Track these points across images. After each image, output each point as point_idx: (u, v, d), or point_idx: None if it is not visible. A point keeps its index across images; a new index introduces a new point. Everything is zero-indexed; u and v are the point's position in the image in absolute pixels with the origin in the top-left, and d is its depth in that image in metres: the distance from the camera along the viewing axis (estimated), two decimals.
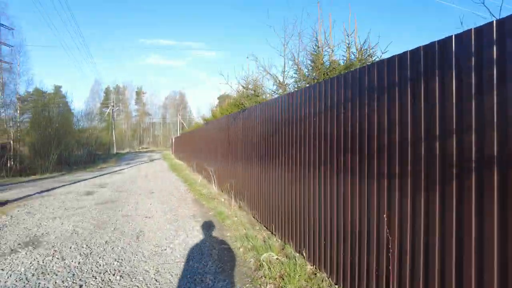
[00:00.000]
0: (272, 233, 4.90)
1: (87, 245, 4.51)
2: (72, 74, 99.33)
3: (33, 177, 14.51)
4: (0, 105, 27.31)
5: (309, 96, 3.73)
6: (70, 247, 4.42)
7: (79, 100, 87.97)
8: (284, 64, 7.40)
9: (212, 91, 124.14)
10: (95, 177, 13.80)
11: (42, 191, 9.49)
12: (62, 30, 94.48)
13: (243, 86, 11.25)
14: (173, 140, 38.45)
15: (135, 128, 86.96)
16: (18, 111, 26.74)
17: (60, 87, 55.69)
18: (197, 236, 4.98)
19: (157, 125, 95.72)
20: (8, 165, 22.00)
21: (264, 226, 5.24)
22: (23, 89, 28.54)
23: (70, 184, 11.31)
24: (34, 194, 9.02)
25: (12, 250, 4.36)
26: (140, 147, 78.75)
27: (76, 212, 6.58)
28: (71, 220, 5.96)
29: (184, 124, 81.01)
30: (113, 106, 55.15)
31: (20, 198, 8.34)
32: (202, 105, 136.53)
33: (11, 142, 23.59)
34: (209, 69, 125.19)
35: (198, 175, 13.08)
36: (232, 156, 7.39)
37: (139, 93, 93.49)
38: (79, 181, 12.05)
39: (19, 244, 4.60)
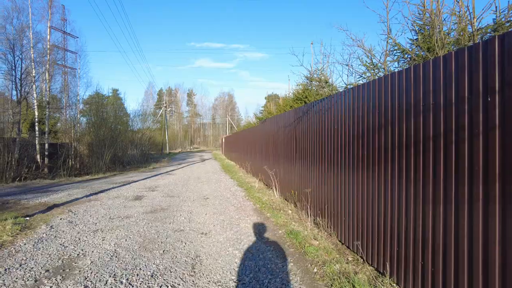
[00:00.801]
0: (380, 272, 3.35)
1: (127, 280, 3.34)
2: (127, 77, 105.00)
3: (86, 177, 14.35)
4: (64, 106, 28.59)
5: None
6: (106, 282, 3.28)
7: (133, 102, 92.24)
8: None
9: (259, 91, 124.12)
10: (147, 178, 13.20)
11: (91, 194, 8.85)
12: (120, 37, 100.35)
13: (307, 77, 9.77)
14: (223, 140, 38.08)
15: (187, 128, 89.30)
16: (78, 112, 27.77)
17: (117, 90, 58.64)
18: (274, 273, 3.59)
19: (207, 126, 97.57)
20: (70, 164, 22.77)
21: (361, 257, 3.69)
22: (83, 91, 29.65)
23: (120, 186, 10.68)
24: (82, 197, 8.36)
25: (36, 281, 3.33)
26: (191, 147, 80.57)
27: (121, 224, 5.59)
28: (114, 234, 4.94)
29: (233, 124, 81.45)
30: (165, 107, 56.69)
31: (68, 202, 7.68)
32: (249, 105, 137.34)
33: (72, 142, 24.49)
34: (256, 70, 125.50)
35: (254, 178, 11.82)
36: (303, 158, 5.93)
37: (190, 95, 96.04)
38: (129, 183, 11.42)
39: (47, 270, 3.58)
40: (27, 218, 5.96)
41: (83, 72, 32.74)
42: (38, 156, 22.36)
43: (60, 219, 5.93)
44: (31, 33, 21.49)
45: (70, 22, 36.39)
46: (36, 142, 22.55)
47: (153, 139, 36.37)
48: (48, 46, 23.11)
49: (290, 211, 6.37)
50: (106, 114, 23.84)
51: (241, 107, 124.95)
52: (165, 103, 58.91)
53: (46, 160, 21.50)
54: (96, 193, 9.03)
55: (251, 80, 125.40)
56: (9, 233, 4.84)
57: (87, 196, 8.56)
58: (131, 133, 28.21)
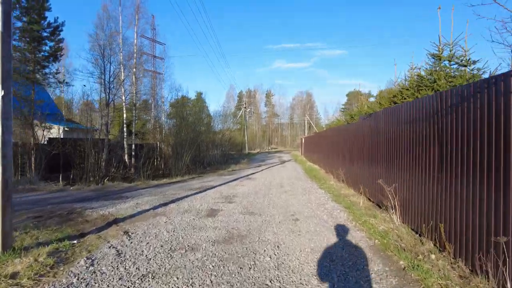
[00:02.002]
0: None
1: None
2: (210, 80, 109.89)
3: (163, 180, 13.62)
4: (151, 108, 29.65)
5: None
6: None
7: (215, 103, 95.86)
8: None
9: (338, 90, 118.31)
10: (224, 183, 11.78)
11: (159, 205, 7.56)
12: (204, 44, 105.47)
13: (434, 55, 7.01)
14: (303, 140, 35.84)
15: (265, 129, 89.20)
16: (163, 114, 28.43)
17: (201, 93, 60.89)
18: None
19: (285, 126, 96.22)
20: (155, 164, 23.15)
21: None
22: (167, 93, 30.41)
23: (195, 193, 9.33)
24: (149, 209, 7.08)
25: None
26: (269, 147, 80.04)
27: (181, 264, 3.86)
28: (168, 287, 3.24)
29: (312, 124, 78.42)
30: (245, 108, 56.80)
31: (131, 217, 6.42)
32: (328, 104, 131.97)
33: (157, 143, 25.02)
34: (333, 68, 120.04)
35: (350, 189, 9.39)
36: (471, 172, 3.44)
37: (268, 96, 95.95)
38: (205, 190, 10.04)
39: None
40: (74, 242, 4.70)
41: (167, 75, 33.79)
42: (125, 156, 23.21)
43: (110, 247, 4.51)
44: (120, 39, 22.37)
45: (157, 29, 38.29)
46: (124, 142, 23.49)
47: (233, 139, 36.02)
48: (135, 50, 23.93)
49: (436, 260, 3.91)
50: (188, 115, 23.76)
51: (319, 106, 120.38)
52: (245, 104, 59.11)
53: (133, 160, 22.16)
54: (166, 204, 7.73)
55: (329, 78, 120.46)
56: (33, 274, 3.49)
57: (155, 208, 7.27)
58: (212, 134, 27.93)
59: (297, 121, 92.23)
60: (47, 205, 7.99)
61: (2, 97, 3.85)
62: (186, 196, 8.83)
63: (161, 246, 4.54)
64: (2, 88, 3.85)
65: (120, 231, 5.30)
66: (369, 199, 7.71)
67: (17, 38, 13.83)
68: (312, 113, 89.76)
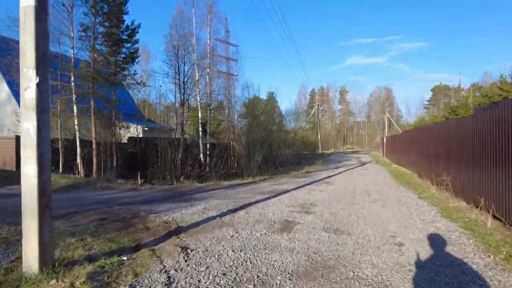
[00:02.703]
0: None
1: None
2: (281, 79, 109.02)
3: (235, 181, 12.90)
4: (225, 108, 29.78)
5: None
6: None
7: (286, 102, 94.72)
8: None
9: (420, 85, 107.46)
10: (299, 187, 10.51)
11: (228, 212, 6.63)
12: (277, 41, 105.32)
13: None
14: (385, 140, 32.58)
15: (339, 127, 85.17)
16: (236, 114, 28.28)
17: (273, 93, 60.50)
18: None
19: (361, 124, 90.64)
20: (229, 163, 22.99)
21: None
22: (240, 93, 30.24)
23: (267, 198, 8.26)
24: (216, 217, 6.18)
25: None
26: (344, 147, 76.14)
27: None
28: None
29: (392, 121, 72.26)
30: (318, 106, 54.61)
31: (194, 226, 5.57)
32: (411, 100, 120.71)
33: (231, 142, 24.89)
34: (413, 62, 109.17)
35: (461, 201, 7.32)
36: None
37: (342, 93, 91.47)
38: (278, 194, 8.91)
39: None
40: (124, 259, 3.94)
41: (240, 75, 33.75)
42: (201, 155, 23.47)
43: (161, 270, 3.60)
44: (194, 40, 22.66)
45: (230, 31, 38.65)
46: (200, 142, 23.78)
47: (306, 139, 34.46)
48: (208, 50, 24.09)
49: None
50: (260, 114, 23.10)
51: (400, 103, 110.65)
52: (317, 101, 56.88)
53: (208, 159, 22.26)
54: (235, 210, 6.77)
55: (409, 73, 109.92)
56: None
57: (222, 215, 6.35)
58: (283, 133, 26.87)
59: (374, 119, 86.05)
60: (116, 205, 7.71)
61: (37, 84, 3.19)
62: (257, 202, 7.80)
63: (224, 274, 3.49)
64: (37, 74, 3.19)
65: (178, 246, 4.42)
66: (496, 217, 5.69)
67: (100, 42, 14.51)
68: (392, 110, 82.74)
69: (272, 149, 22.65)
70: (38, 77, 3.20)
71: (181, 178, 17.52)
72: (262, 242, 4.63)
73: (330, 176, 14.18)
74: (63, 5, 13.28)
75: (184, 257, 4.00)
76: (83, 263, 3.67)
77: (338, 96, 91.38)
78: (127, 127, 16.91)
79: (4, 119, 17.65)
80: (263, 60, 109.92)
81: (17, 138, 13.75)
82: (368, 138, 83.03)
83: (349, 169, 18.37)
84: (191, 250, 4.27)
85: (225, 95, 30.76)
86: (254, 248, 4.35)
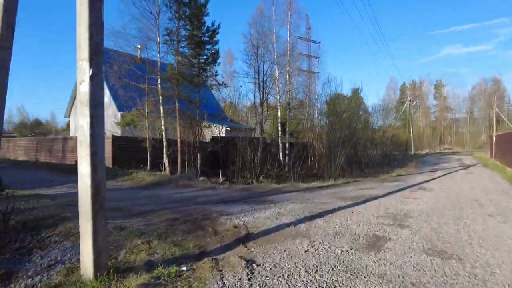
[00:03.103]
0: None
1: None
2: (367, 74, 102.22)
3: (314, 183, 12.00)
4: (305, 107, 28.91)
5: None
6: None
7: (374, 98, 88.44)
8: None
9: None
10: (389, 193, 9.14)
11: (304, 219, 5.88)
12: (365, 33, 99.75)
13: None
14: (494, 138, 27.61)
15: (434, 125, 76.26)
16: (317, 113, 27.19)
17: (357, 89, 57.10)
18: None
19: (461, 121, 79.59)
20: (308, 164, 22.14)
21: None
22: (320, 90, 28.94)
23: (350, 206, 7.24)
24: (289, 224, 5.48)
25: None
26: (440, 147, 67.79)
27: None
28: None
29: (503, 117, 61.56)
30: (410, 101, 49.56)
31: (265, 234, 4.98)
32: None
33: (311, 142, 23.97)
34: None
35: None
36: None
37: (438, 87, 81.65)
38: (363, 202, 7.78)
39: None
40: (183, 269, 3.54)
41: (321, 71, 32.38)
42: (280, 155, 23.06)
43: None
44: (274, 38, 22.35)
45: (312, 27, 37.43)
46: (279, 141, 23.39)
47: (396, 137, 31.36)
48: (288, 47, 23.52)
49: None
50: (343, 111, 21.64)
51: None
52: (409, 96, 51.66)
53: (287, 159, 21.73)
54: (312, 218, 5.99)
55: None
56: None
57: (297, 222, 5.63)
58: (370, 132, 24.79)
59: (478, 115, 74.60)
60: (192, 204, 7.64)
61: (91, 77, 2.96)
62: (339, 209, 6.86)
63: None
64: (90, 66, 2.96)
65: (244, 259, 3.86)
66: None
67: (183, 45, 15.14)
68: (501, 104, 70.53)
69: (357, 149, 21.00)
70: (91, 69, 2.97)
71: (260, 178, 17.31)
72: (343, 262, 3.79)
73: (427, 181, 12.23)
74: (151, 13, 14.16)
75: (247, 274, 3.42)
76: (140, 271, 3.38)
77: (433, 90, 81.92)
78: (209, 127, 17.40)
79: (106, 121, 19.90)
80: (346, 54, 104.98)
81: (113, 137, 15.25)
82: (470, 137, 72.51)
83: (449, 173, 15.79)
84: (257, 265, 3.67)
85: (305, 93, 29.86)
86: (332, 270, 3.54)
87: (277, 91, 22.38)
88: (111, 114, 19.22)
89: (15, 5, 4.38)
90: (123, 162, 14.49)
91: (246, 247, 4.37)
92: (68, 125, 31.15)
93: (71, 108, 23.80)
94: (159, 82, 14.82)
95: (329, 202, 7.68)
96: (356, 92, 52.67)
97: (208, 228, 5.36)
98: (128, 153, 14.86)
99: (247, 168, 16.44)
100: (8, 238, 5.49)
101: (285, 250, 4.18)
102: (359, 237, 4.76)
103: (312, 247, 4.32)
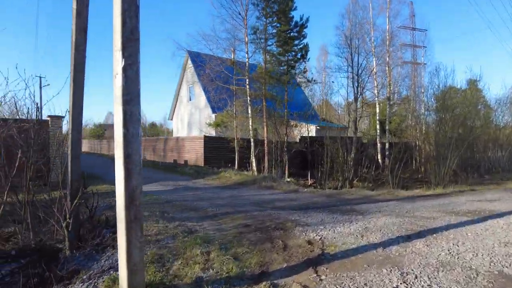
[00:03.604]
0: None
1: None
2: (487, 61, 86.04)
3: (417, 191, 10.14)
4: (409, 102, 25.74)
5: None
6: None
7: (495, 87, 73.88)
8: None
9: None
10: None
11: (397, 239, 4.65)
12: (487, 12, 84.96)
13: None
14: None
15: None
16: (424, 108, 23.90)
17: (475, 80, 48.54)
18: None
19: None
20: (413, 165, 19.60)
21: None
22: (426, 83, 25.26)
23: (463, 224, 5.59)
24: (378, 246, 4.38)
25: None
26: None
27: None
28: None
29: None
30: None
31: (343, 256, 4.04)
32: None
33: (416, 142, 21.19)
34: None
35: None
36: None
37: None
38: (484, 219, 5.97)
39: None
40: None
41: (428, 60, 28.31)
42: (378, 156, 20.93)
43: None
44: (371, 27, 20.38)
45: (416, 14, 33.08)
46: (377, 141, 21.26)
47: None
48: (387, 36, 21.12)
49: None
50: (455, 106, 18.31)
51: None
52: None
53: (387, 161, 19.57)
54: (409, 238, 4.74)
55: None
56: None
57: (389, 243, 4.50)
58: (492, 130, 20.51)
59: None
60: (269, 209, 7.09)
61: (124, 68, 2.59)
62: (447, 228, 5.36)
63: None
64: (123, 56, 2.60)
65: None
66: None
67: (271, 43, 14.81)
68: None
69: (474, 151, 17.52)
70: (123, 60, 2.60)
71: (355, 181, 15.87)
72: None
73: None
74: (239, 13, 14.21)
75: None
76: None
77: None
78: (298, 126, 16.73)
79: (202, 122, 21.09)
80: (460, 41, 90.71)
81: (204, 138, 15.88)
82: None
83: None
84: None
85: (409, 86, 26.57)
86: None
87: (375, 85, 20.33)
88: (207, 116, 20.23)
89: (86, 8, 4.43)
90: (213, 162, 14.94)
91: (316, 272, 3.55)
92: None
93: (174, 110, 26.09)
94: (247, 82, 14.81)
95: (435, 217, 6.16)
96: (473, 83, 45.07)
97: (278, 240, 4.69)
98: (218, 153, 15.29)
99: (338, 170, 15.23)
100: (93, 233, 5.77)
101: (365, 284, 3.21)
102: (477, 275, 3.43)
103: (403, 282, 3.24)
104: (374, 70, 19.88)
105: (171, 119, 26.80)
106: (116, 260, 3.99)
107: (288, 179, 15.97)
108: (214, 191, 9.86)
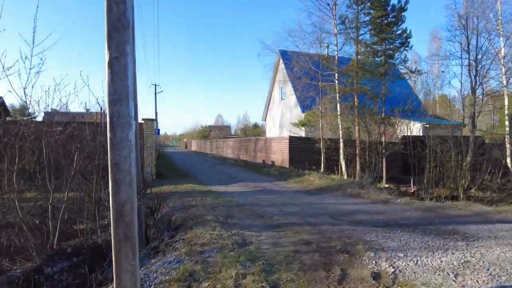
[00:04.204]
0: None
1: None
2: None
3: None
4: None
5: None
6: None
7: None
8: None
9: None
10: None
11: None
12: None
13: None
14: None
15: None
16: None
17: None
18: None
19: None
20: None
21: None
22: None
23: None
24: None
25: None
26: None
27: None
28: None
29: None
30: None
31: None
32: None
33: None
34: None
35: None
36: None
37: None
38: None
39: None
40: None
41: None
42: (507, 160, 16.95)
43: None
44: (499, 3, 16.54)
45: None
46: (505, 140, 17.25)
47: None
48: None
49: None
50: None
51: None
52: None
53: None
54: None
55: None
56: None
57: None
58: None
59: None
60: (343, 223, 6.08)
61: (109, 63, 2.22)
62: None
63: None
64: (109, 48, 2.23)
65: None
66: None
67: (363, 32, 13.30)
68: None
69: None
70: (109, 52, 2.23)
71: (472, 190, 13.14)
72: None
73: None
74: (327, 4, 13.18)
75: None
76: None
77: None
78: (397, 124, 14.65)
79: (288, 123, 20.57)
80: None
81: (290, 138, 15.27)
82: None
83: None
84: None
85: None
86: None
87: (502, 72, 16.43)
88: (296, 115, 19.63)
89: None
90: (299, 163, 14.24)
91: None
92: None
93: (267, 111, 26.26)
94: (336, 77, 13.64)
95: None
96: None
97: (337, 268, 3.79)
98: (303, 154, 14.53)
99: (450, 176, 12.74)
100: (154, 235, 5.80)
101: None
102: None
103: None
104: (502, 53, 16.03)
105: (265, 120, 27.06)
106: (149, 273, 3.78)
107: (385, 185, 14.17)
108: (291, 196, 9.20)
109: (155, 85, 42.20)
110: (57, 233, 4.36)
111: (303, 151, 14.64)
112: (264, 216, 6.60)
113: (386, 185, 14.12)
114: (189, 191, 9.44)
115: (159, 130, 42.76)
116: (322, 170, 13.56)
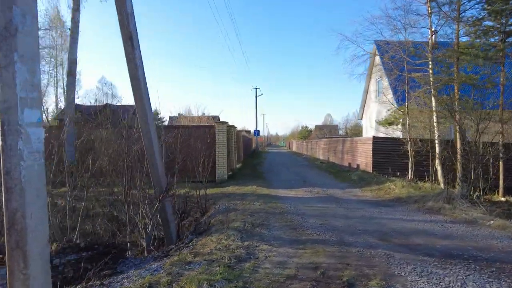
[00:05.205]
0: None
1: None
2: None
3: None
4: None
5: None
6: None
7: None
8: None
9: None
10: None
11: None
12: None
13: None
14: None
15: None
16: None
17: None
18: None
19: None
20: None
21: None
22: None
23: None
24: None
25: None
26: None
27: None
28: None
29: None
30: None
31: None
32: None
33: None
34: None
35: None
36: None
37: None
38: None
39: None
40: None
41: None
42: None
43: None
44: None
45: None
46: None
47: None
48: None
49: None
50: None
51: None
52: None
53: None
54: None
55: None
56: None
57: None
58: None
59: None
60: (384, 247, 4.96)
61: None
62: None
63: None
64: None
65: None
66: None
67: (468, 7, 10.77)
68: None
69: None
70: None
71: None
72: None
73: None
74: None
75: None
76: None
77: None
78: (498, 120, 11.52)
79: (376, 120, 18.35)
80: None
81: (373, 139, 13.54)
82: None
83: None
84: None
85: None
86: None
87: None
88: (392, 112, 17.39)
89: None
90: (384, 167, 12.52)
91: None
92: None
93: (363, 110, 24.11)
94: (429, 66, 11.49)
95: None
96: None
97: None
98: (388, 156, 12.70)
99: None
100: (178, 239, 5.87)
101: None
102: None
103: None
104: None
105: (361, 119, 24.91)
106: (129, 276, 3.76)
107: (502, 199, 11.32)
108: (352, 206, 8.06)
109: (256, 88, 44.06)
110: (78, 228, 4.85)
111: (389, 154, 12.82)
112: (298, 228, 5.94)
113: (503, 198, 11.22)
114: (246, 193, 9.32)
115: (258, 131, 44.42)
116: (410, 177, 11.58)
